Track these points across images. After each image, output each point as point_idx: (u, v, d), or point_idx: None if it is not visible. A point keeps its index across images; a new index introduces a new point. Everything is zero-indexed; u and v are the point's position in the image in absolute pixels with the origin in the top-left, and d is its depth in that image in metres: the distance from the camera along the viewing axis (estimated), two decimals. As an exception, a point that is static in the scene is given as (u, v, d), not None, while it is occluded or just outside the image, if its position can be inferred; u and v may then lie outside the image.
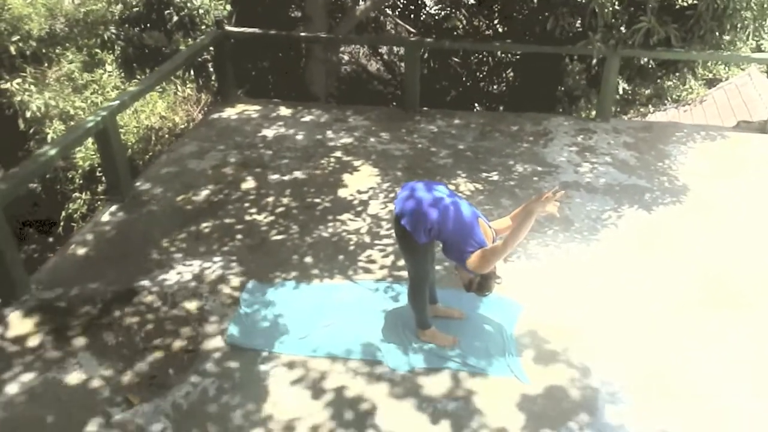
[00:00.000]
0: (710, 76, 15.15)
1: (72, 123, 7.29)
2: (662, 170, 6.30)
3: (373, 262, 4.80)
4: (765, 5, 6.72)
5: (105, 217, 5.32)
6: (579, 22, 6.82)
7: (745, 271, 4.77)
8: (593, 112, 8.19)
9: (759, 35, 7.18)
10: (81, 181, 8.07)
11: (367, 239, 5.07)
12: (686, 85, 13.59)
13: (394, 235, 5.03)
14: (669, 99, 14.23)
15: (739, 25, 6.88)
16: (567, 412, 3.55)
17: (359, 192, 5.78)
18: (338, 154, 6.51)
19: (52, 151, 4.63)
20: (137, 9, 7.78)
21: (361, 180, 6.00)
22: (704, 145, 6.89)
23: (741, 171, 6.32)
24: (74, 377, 3.72)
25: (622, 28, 6.78)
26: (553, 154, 6.58)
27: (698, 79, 12.66)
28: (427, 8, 11.86)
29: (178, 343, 3.99)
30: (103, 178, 6.92)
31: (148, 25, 7.93)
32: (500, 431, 3.44)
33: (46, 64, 8.15)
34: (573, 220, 5.40)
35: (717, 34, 6.83)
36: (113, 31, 8.05)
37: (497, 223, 3.77)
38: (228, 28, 7.56)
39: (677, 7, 6.99)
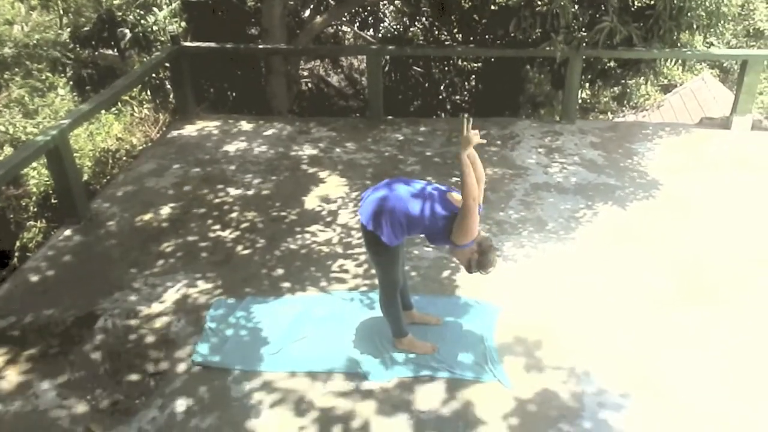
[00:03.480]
0: (665, 81, 15.45)
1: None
2: (630, 167, 6.28)
3: (345, 271, 4.62)
4: (718, 5, 6.83)
5: (60, 241, 5.05)
6: (540, 25, 6.80)
7: (718, 264, 4.73)
8: (557, 116, 8.20)
9: (712, 33, 7.31)
10: (35, 209, 7.76)
11: (339, 249, 4.90)
12: (645, 89, 13.83)
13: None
14: (627, 105, 14.44)
15: (695, 24, 6.98)
16: (555, 413, 3.41)
17: (327, 202, 5.62)
18: (303, 166, 6.34)
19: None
20: (86, 29, 7.52)
21: (329, 190, 5.84)
22: (669, 142, 6.91)
23: (707, 165, 6.34)
24: (31, 410, 3.45)
25: (583, 30, 6.80)
26: (522, 157, 6.52)
27: (660, 78, 12.86)
28: (387, 21, 11.84)
29: (142, 367, 3.74)
30: (58, 204, 6.63)
31: (101, 44, 7.68)
32: (489, 438, 3.29)
33: (-7, 91, 7.88)
34: (547, 221, 5.31)
35: (675, 33, 6.91)
36: (63, 53, 7.77)
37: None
38: (184, 43, 7.37)
39: (636, 7, 7.05)
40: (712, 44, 8.83)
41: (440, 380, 3.64)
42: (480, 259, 3.40)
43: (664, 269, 4.65)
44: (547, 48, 6.77)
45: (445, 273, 4.60)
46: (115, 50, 7.72)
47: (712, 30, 7.26)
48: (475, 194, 3.21)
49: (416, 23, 10.82)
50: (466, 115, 3.33)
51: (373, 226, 3.39)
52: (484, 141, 3.46)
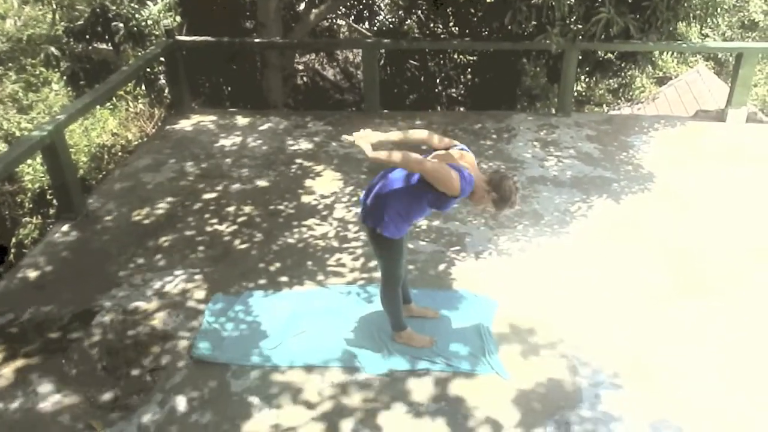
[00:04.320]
0: (661, 74, 15.47)
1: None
2: (626, 160, 6.30)
3: (342, 265, 4.63)
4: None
5: (57, 237, 5.04)
6: (535, 17, 6.79)
7: (714, 257, 4.76)
8: (553, 109, 8.20)
9: (708, 24, 7.32)
10: (31, 205, 7.75)
11: (335, 243, 4.91)
12: (640, 81, 13.83)
13: (364, 237, 4.91)
14: (623, 98, 14.46)
15: (692, 15, 6.98)
16: (552, 406, 3.44)
17: (323, 197, 5.62)
18: (299, 160, 6.34)
19: (-4, 168, 4.37)
20: (81, 23, 7.47)
21: (325, 185, 5.84)
22: (665, 135, 6.93)
23: (702, 158, 6.37)
24: (30, 406, 3.45)
25: (579, 22, 6.80)
26: (518, 150, 6.53)
27: (655, 71, 12.87)
28: (382, 15, 11.81)
29: (141, 362, 3.75)
30: (54, 200, 6.61)
31: (95, 38, 7.63)
32: (488, 428, 3.30)
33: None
34: (542, 214, 5.33)
35: (672, 24, 6.91)
36: (56, 48, 7.71)
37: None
38: (179, 37, 7.34)
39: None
40: (707, 36, 8.86)
41: (438, 372, 3.65)
42: (499, 195, 3.32)
43: (659, 262, 4.67)
44: (543, 41, 6.77)
45: (442, 266, 4.62)
46: (109, 44, 7.66)
47: (708, 21, 7.26)
48: (411, 165, 3.18)
49: (412, 16, 10.79)
50: (344, 136, 3.46)
51: (374, 223, 3.41)
52: (352, 138, 3.35)
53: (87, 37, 7.50)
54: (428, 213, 3.52)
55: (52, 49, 7.57)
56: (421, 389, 3.55)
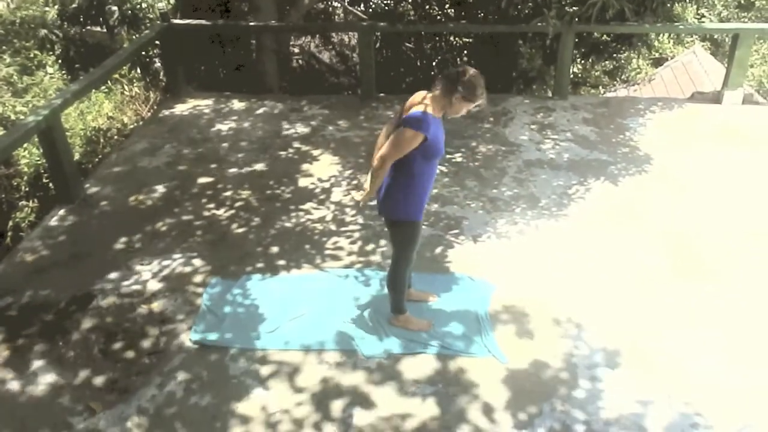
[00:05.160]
0: (657, 55, 15.43)
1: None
2: (623, 143, 6.30)
3: (340, 249, 4.65)
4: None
5: (54, 221, 5.04)
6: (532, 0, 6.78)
7: (711, 239, 4.78)
8: (549, 92, 8.19)
9: (703, 4, 7.30)
10: (27, 189, 7.73)
11: (333, 227, 4.92)
12: (636, 63, 13.79)
13: (361, 221, 4.93)
14: (619, 80, 14.43)
15: (687, -4, 6.98)
16: (548, 388, 3.47)
17: (320, 181, 5.62)
18: (296, 144, 6.33)
19: (-8, 153, 4.35)
20: (74, 6, 7.41)
21: (322, 169, 5.84)
22: (661, 117, 6.93)
23: (699, 140, 6.37)
24: (30, 389, 3.48)
25: (575, 5, 6.77)
26: (515, 133, 6.52)
27: (651, 52, 12.83)
28: (377, -3, 11.71)
29: (140, 345, 3.77)
30: (51, 183, 6.59)
31: (89, 21, 7.58)
32: (483, 411, 3.33)
33: (-20, 69, 7.79)
34: (540, 198, 5.34)
35: (668, 6, 6.90)
36: (51, 30, 7.66)
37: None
38: (174, 21, 7.29)
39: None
40: (703, 16, 8.82)
41: (434, 355, 3.68)
42: (465, 90, 3.26)
43: (656, 245, 4.69)
44: (539, 23, 6.75)
45: (439, 250, 4.64)
46: (104, 27, 7.62)
47: (703, 1, 7.24)
48: (382, 164, 3.30)
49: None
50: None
51: (386, 211, 3.50)
52: (359, 199, 3.63)
53: (81, 20, 7.44)
54: (432, 172, 3.46)
55: (46, 31, 7.52)
56: (417, 372, 3.58)
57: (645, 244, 4.70)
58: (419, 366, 3.62)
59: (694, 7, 7.08)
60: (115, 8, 7.34)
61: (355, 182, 5.54)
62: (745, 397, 3.42)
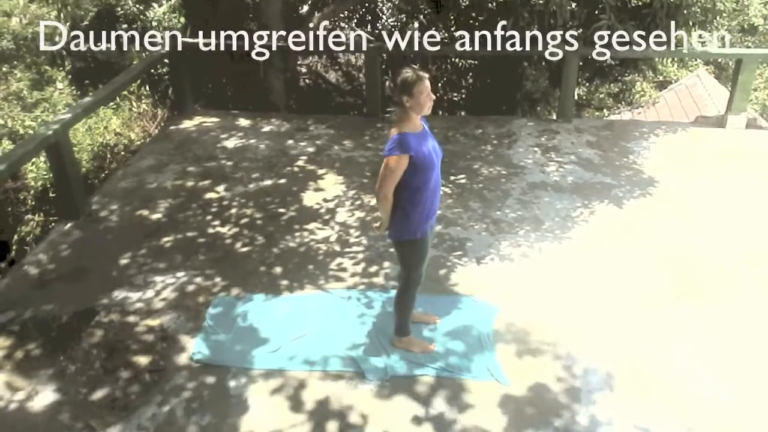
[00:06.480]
0: (661, 78, 15.50)
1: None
2: (626, 166, 6.32)
3: (343, 270, 4.65)
4: (713, 1, 6.89)
5: (59, 236, 5.07)
6: (537, 23, 6.82)
7: (713, 263, 4.77)
8: (554, 114, 8.23)
9: (707, 29, 7.35)
10: (33, 202, 7.77)
11: (337, 247, 4.93)
12: (640, 86, 13.85)
13: (365, 242, 4.94)
14: (623, 102, 14.49)
15: (691, 22, 7.02)
16: (549, 412, 3.46)
17: (325, 200, 5.65)
18: (301, 163, 6.37)
19: (1, 167, 4.39)
20: (85, 23, 7.51)
21: (327, 188, 5.87)
22: (665, 140, 6.95)
23: (702, 164, 6.38)
24: (30, 405, 3.48)
25: (580, 29, 6.83)
26: (519, 156, 6.55)
27: (656, 75, 12.88)
28: (384, 18, 11.81)
29: (141, 363, 3.78)
30: (57, 198, 6.64)
31: (100, 38, 7.66)
32: (484, 435, 3.33)
33: (-9, 83, 7.87)
34: (543, 220, 5.35)
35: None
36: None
37: None
38: (183, 39, 7.37)
39: (633, 5, 7.08)
40: (706, 42, 8.87)
41: (436, 378, 3.67)
42: (406, 92, 3.31)
43: (659, 268, 4.69)
44: (545, 46, 6.79)
45: (443, 271, 4.64)
46: (114, 45, 7.70)
47: (707, 26, 7.30)
48: (382, 195, 3.40)
49: (414, 20, 10.80)
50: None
51: (391, 233, 3.56)
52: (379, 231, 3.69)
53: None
54: (432, 186, 3.47)
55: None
56: (419, 394, 3.57)
57: (648, 268, 4.70)
58: (420, 388, 3.61)
59: (698, 32, 7.11)
60: (125, 26, 7.43)
61: (359, 203, 5.56)
62: (745, 420, 3.41)
